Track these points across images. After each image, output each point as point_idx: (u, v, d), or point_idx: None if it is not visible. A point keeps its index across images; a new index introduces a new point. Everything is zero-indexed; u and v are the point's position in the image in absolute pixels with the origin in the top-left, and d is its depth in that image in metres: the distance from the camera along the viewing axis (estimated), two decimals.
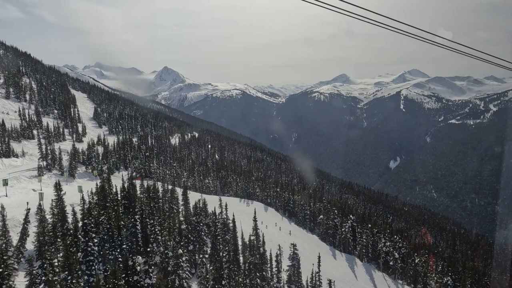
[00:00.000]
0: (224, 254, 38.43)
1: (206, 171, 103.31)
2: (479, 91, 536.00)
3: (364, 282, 58.63)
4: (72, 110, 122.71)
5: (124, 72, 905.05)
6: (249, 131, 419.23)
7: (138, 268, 26.92)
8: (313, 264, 44.74)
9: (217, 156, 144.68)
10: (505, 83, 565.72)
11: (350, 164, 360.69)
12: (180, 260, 34.05)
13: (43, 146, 73.94)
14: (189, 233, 41.61)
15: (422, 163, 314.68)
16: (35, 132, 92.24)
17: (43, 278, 23.24)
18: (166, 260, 34.44)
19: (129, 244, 33.97)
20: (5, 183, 52.17)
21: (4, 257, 22.44)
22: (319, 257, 44.08)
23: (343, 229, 72.76)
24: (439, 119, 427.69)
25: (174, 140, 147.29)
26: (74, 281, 24.43)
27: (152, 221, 36.00)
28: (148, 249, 31.11)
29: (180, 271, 34.01)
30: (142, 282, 27.03)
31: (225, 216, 49.77)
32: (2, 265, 22.21)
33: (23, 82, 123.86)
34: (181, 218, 47.11)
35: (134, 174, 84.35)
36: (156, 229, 35.57)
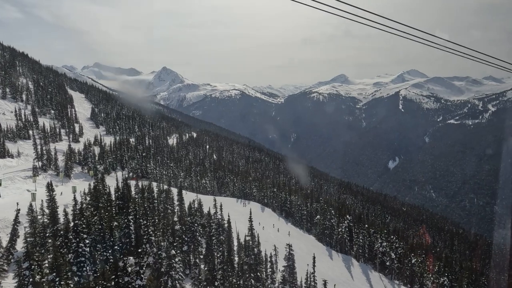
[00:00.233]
0: (218, 255, 38.10)
1: (203, 172, 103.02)
2: (478, 91, 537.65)
3: (360, 283, 58.39)
4: (69, 110, 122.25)
5: (123, 73, 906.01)
6: (248, 131, 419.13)
7: (129, 269, 26.59)
8: (308, 264, 44.53)
9: (215, 157, 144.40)
10: (503, 83, 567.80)
11: (348, 164, 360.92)
12: (173, 261, 33.72)
13: (39, 147, 73.55)
14: (183, 234, 41.21)
15: (421, 163, 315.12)
16: (31, 132, 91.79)
17: (31, 279, 22.92)
18: (159, 261, 34.09)
19: (121, 245, 33.63)
20: None
21: None
22: (314, 257, 43.84)
23: (339, 230, 72.58)
24: (438, 119, 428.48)
25: (172, 140, 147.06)
26: (62, 282, 24.10)
27: (145, 222, 35.65)
28: (140, 250, 30.77)
29: (173, 272, 33.69)
30: (133, 283, 26.70)
31: (220, 217, 49.41)
32: None
33: (19, 83, 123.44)
34: (175, 219, 46.75)
35: (130, 174, 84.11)
36: (150, 230, 35.17)
